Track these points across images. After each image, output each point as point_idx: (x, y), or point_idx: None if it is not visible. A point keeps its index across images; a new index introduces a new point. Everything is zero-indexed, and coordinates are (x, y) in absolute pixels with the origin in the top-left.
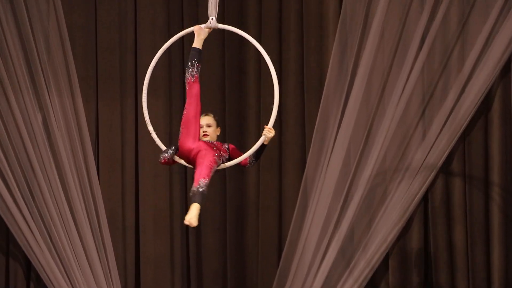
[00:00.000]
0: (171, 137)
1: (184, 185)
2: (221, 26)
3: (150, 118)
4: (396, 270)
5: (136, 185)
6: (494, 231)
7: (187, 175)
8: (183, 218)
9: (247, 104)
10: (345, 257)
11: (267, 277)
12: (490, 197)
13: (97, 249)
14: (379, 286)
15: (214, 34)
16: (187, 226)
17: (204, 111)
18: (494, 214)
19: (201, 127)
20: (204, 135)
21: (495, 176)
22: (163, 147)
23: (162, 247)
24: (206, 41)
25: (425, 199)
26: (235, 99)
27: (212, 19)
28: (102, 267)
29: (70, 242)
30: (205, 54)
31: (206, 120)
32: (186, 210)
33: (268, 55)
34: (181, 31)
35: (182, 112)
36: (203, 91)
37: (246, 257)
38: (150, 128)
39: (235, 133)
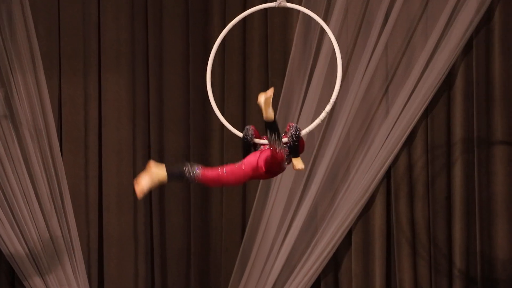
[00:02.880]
0: (134, 113)
1: (147, 158)
2: (290, 5)
3: (112, 94)
4: (359, 245)
5: (99, 162)
6: (455, 207)
7: (151, 152)
8: (146, 196)
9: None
10: (308, 234)
11: (231, 254)
12: (452, 173)
13: (60, 226)
14: (342, 262)
15: (179, 12)
16: (151, 204)
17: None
18: (456, 190)
19: None
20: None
21: (457, 153)
22: (240, 134)
23: (126, 224)
24: (171, 24)
25: (387, 175)
26: (199, 75)
27: None
28: (65, 244)
29: (33, 218)
30: (170, 35)
31: None
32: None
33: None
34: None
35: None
36: (168, 71)
37: (210, 234)
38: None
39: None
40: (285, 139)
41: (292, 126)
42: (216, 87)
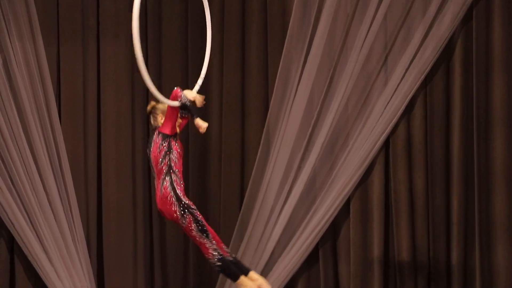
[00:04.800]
0: (133, 84)
1: (146, 131)
2: None
3: (111, 65)
4: (357, 213)
5: (98, 130)
6: (454, 175)
7: (149, 120)
8: (145, 164)
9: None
10: (307, 202)
11: (229, 223)
12: (450, 142)
13: (59, 195)
14: (340, 230)
15: None
16: (149, 172)
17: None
18: (454, 159)
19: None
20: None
21: (456, 122)
22: (168, 101)
23: (124, 193)
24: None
25: (386, 144)
26: (197, 60)
27: None
28: (65, 214)
29: (33, 188)
30: (168, 15)
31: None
32: (148, 156)
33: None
34: None
35: (145, 59)
36: (167, 41)
37: (208, 203)
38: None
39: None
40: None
41: (180, 95)
42: (215, 56)
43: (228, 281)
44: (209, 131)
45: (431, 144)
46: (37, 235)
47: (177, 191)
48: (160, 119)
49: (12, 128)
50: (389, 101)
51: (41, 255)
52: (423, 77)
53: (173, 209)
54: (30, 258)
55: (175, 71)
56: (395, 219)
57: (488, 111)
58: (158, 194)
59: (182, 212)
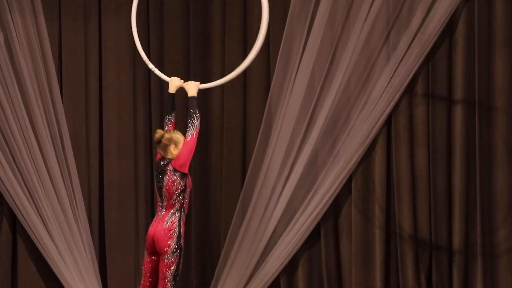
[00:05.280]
0: (134, 59)
1: (148, 108)
2: None
3: (112, 41)
4: (359, 192)
5: (100, 107)
6: (456, 153)
7: (151, 98)
8: (147, 141)
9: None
10: (308, 180)
11: (231, 200)
12: (452, 121)
13: (61, 173)
14: (342, 208)
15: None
16: (151, 149)
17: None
18: (456, 138)
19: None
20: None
21: (459, 99)
22: (167, 78)
23: (126, 169)
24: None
25: (388, 122)
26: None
27: None
28: (66, 191)
29: (35, 166)
30: (170, 15)
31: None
32: (150, 132)
33: None
34: None
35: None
36: (168, 56)
37: (210, 180)
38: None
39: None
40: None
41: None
42: (218, 34)
43: (230, 258)
44: (211, 110)
45: (433, 121)
46: (38, 213)
47: (181, 230)
48: (173, 150)
49: (13, 105)
50: (391, 78)
51: (43, 233)
52: (425, 53)
53: (168, 242)
54: (32, 236)
55: (177, 56)
56: (397, 197)
57: (491, 87)
58: (162, 224)
59: (174, 250)
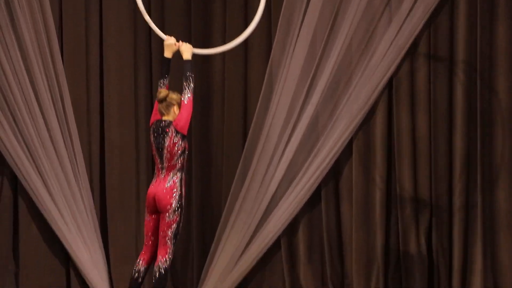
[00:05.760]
0: (135, 21)
1: (149, 71)
2: None
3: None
4: (359, 155)
5: (101, 70)
6: (457, 117)
7: (152, 61)
8: (147, 104)
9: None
10: (309, 143)
11: (232, 163)
12: (453, 82)
13: (61, 132)
14: (342, 172)
15: None
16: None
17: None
18: (457, 101)
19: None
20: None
21: (460, 63)
22: (163, 36)
23: (127, 133)
24: None
25: (389, 85)
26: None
27: None
28: (67, 154)
29: (36, 128)
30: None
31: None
32: (151, 95)
33: None
34: None
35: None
36: (169, 19)
37: (211, 144)
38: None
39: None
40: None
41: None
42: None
43: (231, 220)
44: (212, 74)
45: (435, 84)
46: (40, 174)
47: (182, 190)
48: (176, 110)
49: (14, 66)
50: (393, 40)
51: (45, 195)
52: (427, 15)
53: (171, 201)
54: (33, 197)
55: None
56: (398, 160)
57: (492, 51)
58: (164, 184)
59: (176, 208)
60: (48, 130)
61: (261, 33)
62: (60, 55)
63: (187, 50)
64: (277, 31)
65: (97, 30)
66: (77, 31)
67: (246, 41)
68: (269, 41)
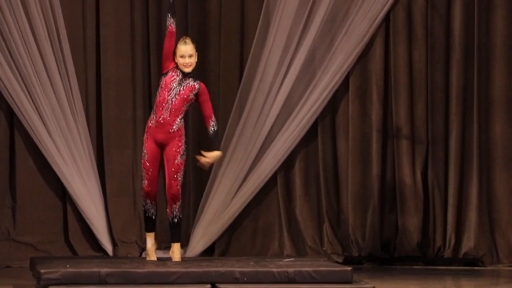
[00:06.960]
0: None
1: (145, 5)
2: None
3: None
4: (356, 89)
5: (97, 2)
6: (454, 50)
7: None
8: (144, 38)
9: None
10: (306, 77)
11: (229, 97)
12: (452, 16)
13: (58, 68)
14: (339, 105)
15: None
16: (148, 47)
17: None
18: (455, 34)
19: (182, 57)
20: (185, 66)
21: None
22: None
23: (124, 67)
24: None
25: (387, 18)
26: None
27: None
28: (63, 86)
29: (31, 61)
30: None
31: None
32: (147, 29)
33: None
34: None
35: None
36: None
37: (208, 77)
38: None
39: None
40: None
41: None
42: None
43: (227, 156)
44: (209, 8)
45: (432, 18)
46: (36, 107)
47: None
48: (194, 62)
49: (10, 1)
50: None
51: (41, 128)
52: None
53: (179, 144)
54: (29, 130)
55: None
56: (394, 94)
57: None
58: (172, 127)
59: (182, 153)
60: (43, 61)
61: None
62: None
63: None
64: None
65: None
66: None
67: None
68: None
